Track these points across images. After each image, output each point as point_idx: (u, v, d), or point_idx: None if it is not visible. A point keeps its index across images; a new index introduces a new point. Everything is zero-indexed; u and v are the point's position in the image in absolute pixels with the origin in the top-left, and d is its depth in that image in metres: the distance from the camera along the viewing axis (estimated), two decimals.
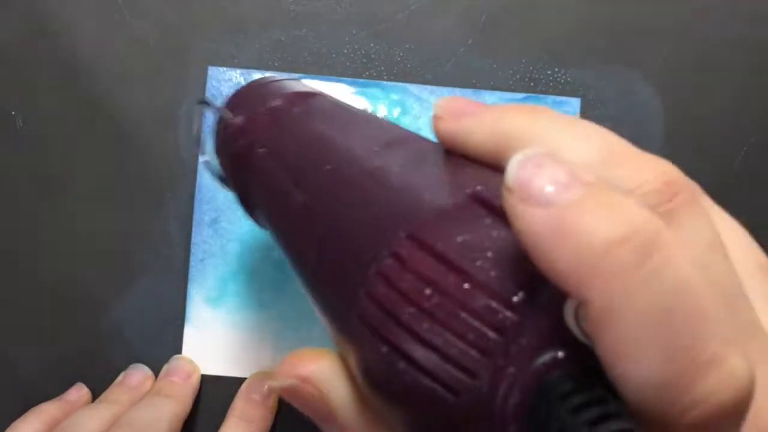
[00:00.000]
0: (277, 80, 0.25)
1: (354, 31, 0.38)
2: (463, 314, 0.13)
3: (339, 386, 0.16)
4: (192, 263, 0.37)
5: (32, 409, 0.34)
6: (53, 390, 0.37)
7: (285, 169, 0.20)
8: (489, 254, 0.13)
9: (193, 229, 0.37)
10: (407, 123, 0.38)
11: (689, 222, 0.14)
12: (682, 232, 0.14)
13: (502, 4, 0.38)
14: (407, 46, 0.38)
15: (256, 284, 0.37)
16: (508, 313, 0.12)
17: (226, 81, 0.38)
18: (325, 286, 0.17)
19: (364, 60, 0.38)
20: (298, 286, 0.37)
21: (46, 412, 0.34)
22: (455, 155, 0.17)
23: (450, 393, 0.13)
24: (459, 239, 0.13)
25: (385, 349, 0.13)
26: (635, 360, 0.11)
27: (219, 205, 0.37)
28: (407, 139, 0.19)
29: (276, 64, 0.38)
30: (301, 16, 0.38)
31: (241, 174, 0.23)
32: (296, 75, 0.38)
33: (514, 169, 0.12)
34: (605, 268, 0.11)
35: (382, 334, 0.14)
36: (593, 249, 0.11)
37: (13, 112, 0.38)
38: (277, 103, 0.23)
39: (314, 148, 0.20)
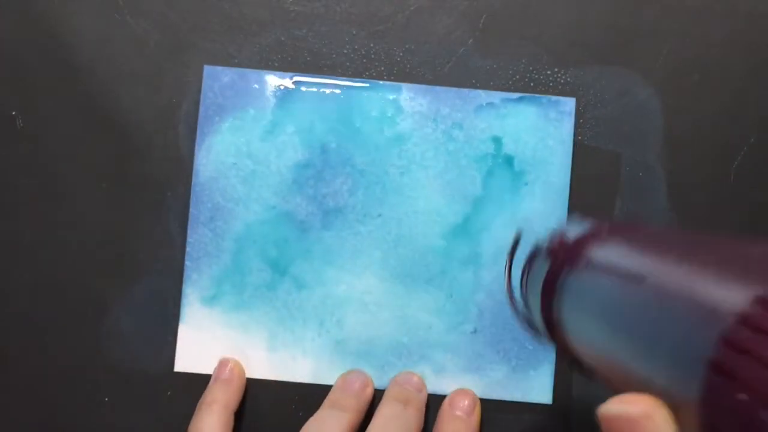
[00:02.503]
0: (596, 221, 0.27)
1: (354, 31, 0.38)
2: None
3: None
4: (187, 262, 0.37)
5: (202, 402, 0.35)
6: (53, 390, 0.37)
7: (617, 269, 0.21)
8: None
9: (189, 227, 0.37)
10: (404, 123, 0.38)
11: None
12: None
13: (502, 4, 0.38)
14: (407, 46, 0.38)
15: (251, 284, 0.37)
16: None
17: (221, 80, 0.38)
18: (658, 342, 0.17)
19: (364, 60, 0.38)
20: (290, 284, 0.37)
21: (218, 402, 0.35)
22: None
23: None
24: None
25: (743, 396, 0.13)
26: None
27: (215, 204, 0.37)
28: (758, 240, 0.19)
29: (276, 64, 0.38)
30: (301, 16, 0.38)
31: (553, 294, 0.24)
32: (296, 75, 0.38)
33: None
34: None
35: (742, 379, 0.13)
36: None
37: (13, 112, 0.38)
38: (602, 229, 0.24)
39: (655, 242, 0.21)
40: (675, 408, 0.15)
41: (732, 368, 0.13)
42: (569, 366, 0.25)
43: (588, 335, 0.22)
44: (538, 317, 0.26)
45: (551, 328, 0.25)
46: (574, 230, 0.26)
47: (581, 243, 0.24)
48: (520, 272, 0.29)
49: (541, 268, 0.26)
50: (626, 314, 0.19)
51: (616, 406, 0.16)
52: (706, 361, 0.14)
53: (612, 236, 0.24)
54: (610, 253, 0.22)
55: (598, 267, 0.22)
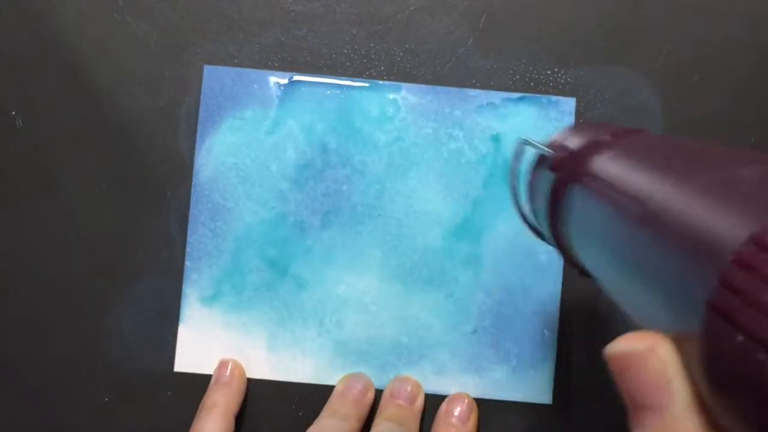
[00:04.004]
0: (597, 124, 0.26)
1: (354, 31, 0.38)
2: None
3: (680, 372, 0.15)
4: (187, 262, 0.37)
5: (203, 405, 0.35)
6: (53, 390, 0.37)
7: (617, 189, 0.20)
8: None
9: (189, 227, 0.37)
10: (404, 122, 0.38)
11: None
12: None
13: (502, 4, 0.38)
14: (407, 46, 0.38)
15: (251, 284, 0.37)
16: None
17: (221, 80, 0.38)
18: (660, 276, 0.16)
19: (364, 60, 0.38)
20: (287, 285, 0.37)
21: (219, 406, 0.34)
22: None
23: None
24: None
25: (741, 338, 0.12)
26: None
27: (215, 204, 0.37)
28: (757, 156, 0.19)
29: (276, 64, 0.38)
30: (301, 16, 0.38)
31: (559, 207, 0.24)
32: (296, 75, 0.38)
33: None
34: None
35: (739, 321, 0.13)
36: None
37: (13, 112, 0.38)
38: (604, 137, 0.23)
39: (656, 157, 0.20)
40: (679, 339, 0.15)
41: (728, 310, 0.13)
42: (580, 274, 0.25)
43: (591, 258, 0.22)
44: (546, 229, 0.25)
45: (559, 240, 0.24)
46: (576, 138, 0.24)
47: (583, 154, 0.23)
48: (526, 181, 0.28)
49: (545, 180, 0.25)
50: (625, 242, 0.18)
51: (621, 345, 0.16)
52: (704, 300, 0.14)
53: (614, 146, 0.22)
54: (611, 169, 0.21)
55: (599, 184, 0.21)
